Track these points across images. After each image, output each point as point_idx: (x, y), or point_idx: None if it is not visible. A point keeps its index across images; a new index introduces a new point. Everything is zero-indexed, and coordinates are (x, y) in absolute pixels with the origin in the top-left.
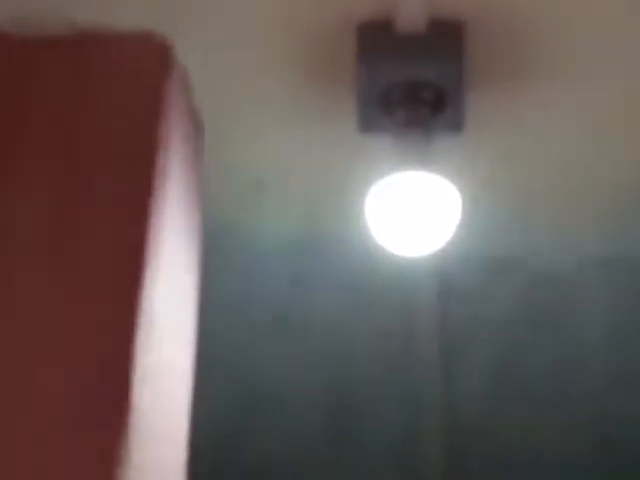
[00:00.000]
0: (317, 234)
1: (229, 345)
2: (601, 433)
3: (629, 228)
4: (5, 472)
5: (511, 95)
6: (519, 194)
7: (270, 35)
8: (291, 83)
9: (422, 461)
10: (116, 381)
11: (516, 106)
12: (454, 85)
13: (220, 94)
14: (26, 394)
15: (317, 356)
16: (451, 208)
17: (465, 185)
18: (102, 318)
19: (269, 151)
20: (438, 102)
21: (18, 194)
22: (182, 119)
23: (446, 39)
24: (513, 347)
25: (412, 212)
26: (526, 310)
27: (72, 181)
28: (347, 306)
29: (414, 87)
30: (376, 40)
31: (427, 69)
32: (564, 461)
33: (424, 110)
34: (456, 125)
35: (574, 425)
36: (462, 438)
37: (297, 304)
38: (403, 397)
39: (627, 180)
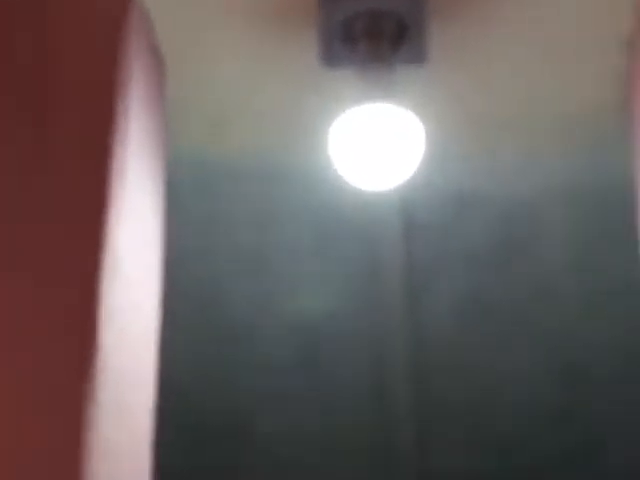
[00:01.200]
0: (281, 169)
1: (196, 283)
2: (567, 363)
3: (595, 158)
4: None
5: (474, 26)
6: (483, 126)
7: None
8: (252, 17)
9: (389, 396)
10: (82, 321)
11: (479, 37)
12: (416, 16)
13: (181, 29)
14: None
15: (283, 292)
16: (415, 140)
17: (429, 117)
18: (68, 260)
19: (231, 85)
20: (400, 34)
21: None
22: (142, 56)
23: None
24: (480, 280)
25: (376, 145)
26: (493, 243)
27: (33, 120)
28: (312, 241)
29: (375, 19)
30: None
31: (388, 0)
32: (530, 394)
33: (386, 42)
34: (419, 57)
35: (540, 358)
36: (429, 372)
37: (263, 239)
38: (369, 332)
39: (591, 110)
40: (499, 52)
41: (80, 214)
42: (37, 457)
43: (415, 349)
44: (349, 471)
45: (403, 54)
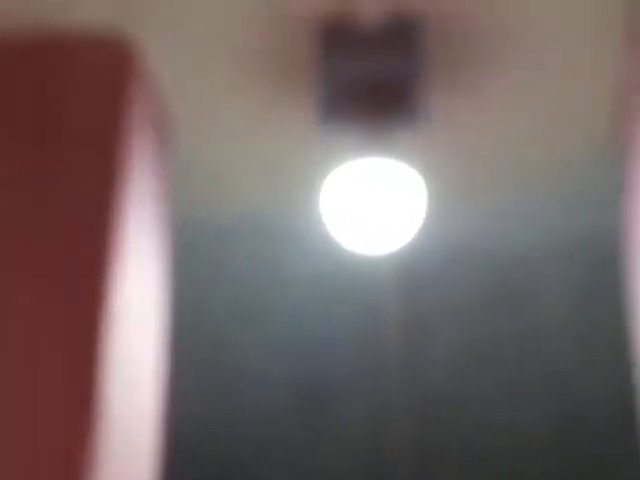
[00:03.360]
0: (281, 224)
1: (197, 336)
2: (561, 411)
3: (590, 213)
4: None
5: (469, 87)
6: (474, 183)
7: (234, 32)
8: (252, 77)
9: (388, 446)
10: (83, 375)
11: (473, 102)
12: (414, 80)
13: (185, 91)
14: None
15: (284, 348)
16: (417, 199)
17: (424, 177)
18: (69, 315)
19: (232, 145)
20: (398, 96)
21: None
22: (146, 122)
23: (404, 35)
24: (477, 331)
25: (374, 203)
26: (489, 294)
27: (40, 179)
28: (312, 298)
29: (374, 80)
30: (337, 37)
31: (387, 64)
32: (524, 436)
33: (383, 104)
34: (415, 119)
35: (536, 402)
36: (430, 424)
37: (261, 295)
38: (368, 393)
39: (582, 172)
40: (492, 117)
41: (83, 271)
42: None
43: (416, 402)
44: None
45: (399, 116)
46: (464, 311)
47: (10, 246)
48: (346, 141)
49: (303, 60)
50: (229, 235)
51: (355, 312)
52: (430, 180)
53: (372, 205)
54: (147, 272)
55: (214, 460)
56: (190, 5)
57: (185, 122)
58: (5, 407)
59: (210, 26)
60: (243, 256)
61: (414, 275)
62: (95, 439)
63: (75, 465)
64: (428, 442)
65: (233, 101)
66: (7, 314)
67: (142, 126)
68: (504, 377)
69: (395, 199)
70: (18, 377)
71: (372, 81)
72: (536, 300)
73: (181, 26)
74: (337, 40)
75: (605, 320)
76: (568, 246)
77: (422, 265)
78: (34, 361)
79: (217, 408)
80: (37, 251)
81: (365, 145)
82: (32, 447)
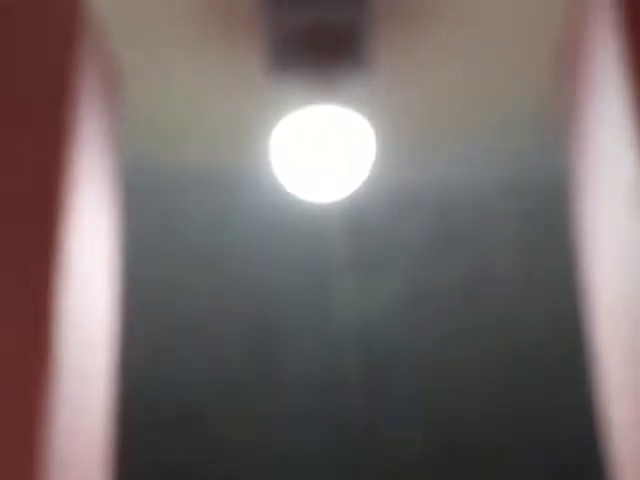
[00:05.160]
0: (231, 173)
1: (151, 282)
2: (503, 357)
3: (532, 152)
4: None
5: (417, 35)
6: (420, 131)
7: None
8: (201, 29)
9: (340, 386)
10: (34, 318)
11: (422, 45)
12: (361, 23)
13: (133, 43)
14: None
15: (236, 292)
16: (365, 145)
17: (373, 121)
18: (22, 260)
19: (181, 95)
20: (345, 40)
21: None
22: (95, 68)
23: None
24: (421, 276)
25: (322, 150)
26: (436, 237)
27: None
28: (261, 243)
29: (321, 26)
30: None
31: (334, 11)
32: (467, 379)
33: (330, 49)
34: (363, 63)
35: (479, 347)
36: (377, 364)
37: (212, 242)
38: (319, 329)
39: (529, 113)
40: (441, 60)
41: (33, 215)
42: None
43: (363, 340)
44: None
45: (348, 60)
46: (409, 256)
47: None
48: (295, 90)
49: (250, 8)
50: (179, 184)
51: (305, 257)
52: (377, 128)
53: (320, 153)
54: (98, 223)
55: (168, 404)
56: None
57: (134, 74)
58: None
59: None
60: (194, 205)
61: (361, 221)
62: (51, 386)
63: (32, 412)
64: (376, 385)
65: (181, 52)
66: None
67: (91, 76)
68: (447, 320)
69: (343, 147)
70: None
71: (319, 29)
72: (480, 245)
73: None
74: None
75: (550, 264)
76: (512, 190)
77: (369, 211)
78: None
79: (171, 352)
80: None
81: (313, 93)
82: None
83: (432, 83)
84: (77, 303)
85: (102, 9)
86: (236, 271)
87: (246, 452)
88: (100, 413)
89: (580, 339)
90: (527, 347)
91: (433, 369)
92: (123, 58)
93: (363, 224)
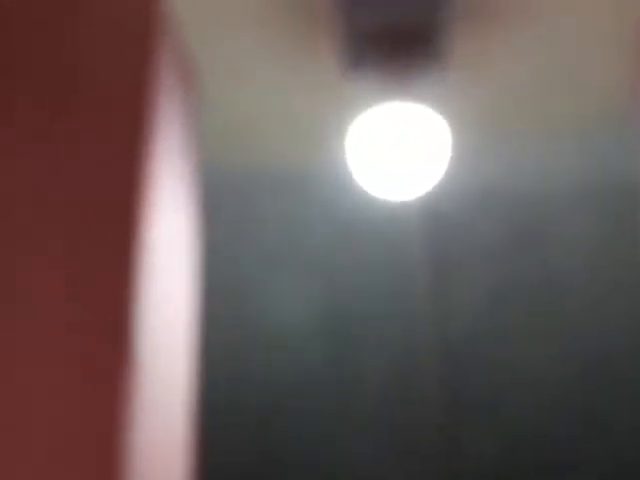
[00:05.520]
0: (307, 172)
1: (230, 282)
2: (582, 350)
3: (608, 152)
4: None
5: (496, 34)
6: (498, 128)
7: None
8: (275, 28)
9: (417, 392)
10: (114, 318)
11: (499, 45)
12: (438, 22)
13: (210, 42)
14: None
15: (315, 291)
16: (442, 143)
17: (450, 120)
18: (101, 258)
19: (257, 91)
20: (422, 41)
21: (18, 146)
22: (173, 67)
23: None
24: (501, 272)
25: (398, 149)
26: (512, 234)
27: (67, 129)
28: (339, 242)
29: (398, 27)
30: None
31: (411, 8)
32: (548, 379)
33: (408, 49)
34: (440, 63)
35: (559, 340)
36: (455, 365)
37: (288, 242)
38: (399, 328)
39: (606, 105)
40: (518, 58)
41: (114, 215)
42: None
43: (442, 342)
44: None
45: (423, 57)
46: (488, 252)
47: (43, 189)
48: (370, 88)
49: (325, 7)
50: (256, 184)
51: (383, 255)
52: (453, 125)
53: (397, 151)
54: (177, 220)
55: (247, 402)
56: None
57: (210, 75)
58: (37, 348)
59: None
60: (271, 205)
61: (439, 218)
62: (132, 387)
63: (112, 412)
64: (453, 381)
65: (256, 52)
66: (41, 264)
67: (169, 77)
68: (527, 316)
69: (420, 144)
70: (49, 319)
71: (394, 27)
72: (556, 242)
73: None
74: None
75: (624, 265)
76: (588, 189)
77: (447, 208)
78: (67, 306)
79: (250, 354)
80: (66, 195)
81: (389, 91)
82: (62, 403)
83: (509, 81)
84: (157, 300)
85: (179, 10)
86: (314, 270)
87: (325, 452)
88: (182, 414)
89: None
90: (602, 343)
91: (512, 368)
92: (200, 58)
93: (440, 221)
